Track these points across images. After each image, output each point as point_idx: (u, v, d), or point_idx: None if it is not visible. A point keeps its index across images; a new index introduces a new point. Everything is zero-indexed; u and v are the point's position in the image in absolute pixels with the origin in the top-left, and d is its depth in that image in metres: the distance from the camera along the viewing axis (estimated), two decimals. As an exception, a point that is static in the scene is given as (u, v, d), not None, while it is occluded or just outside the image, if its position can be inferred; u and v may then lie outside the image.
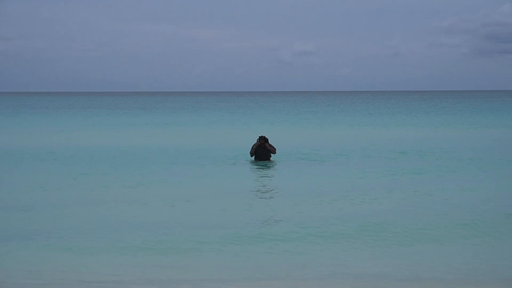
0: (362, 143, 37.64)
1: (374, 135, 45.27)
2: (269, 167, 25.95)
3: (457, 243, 13.52)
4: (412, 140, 39.68)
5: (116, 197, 19.39)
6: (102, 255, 12.69)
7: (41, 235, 14.10)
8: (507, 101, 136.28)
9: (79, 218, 16.13)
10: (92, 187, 21.46)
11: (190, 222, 15.61)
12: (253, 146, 27.19)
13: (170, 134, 47.76)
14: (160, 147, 35.09)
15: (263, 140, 26.92)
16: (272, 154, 27.16)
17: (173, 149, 34.01)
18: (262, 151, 26.98)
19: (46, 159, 29.25)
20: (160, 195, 19.93)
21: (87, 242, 13.47)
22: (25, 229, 14.94)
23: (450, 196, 18.99)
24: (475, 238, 14.04)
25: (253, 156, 27.16)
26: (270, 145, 27.05)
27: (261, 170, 25.42)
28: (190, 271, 11.74)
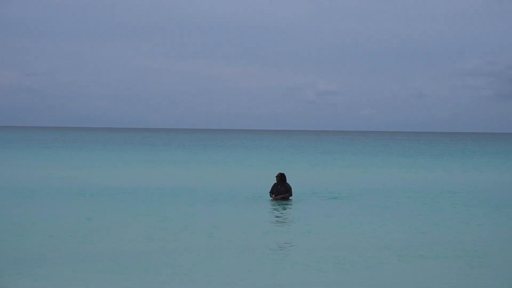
0: (382, 184, 37.85)
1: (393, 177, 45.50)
2: (286, 208, 25.85)
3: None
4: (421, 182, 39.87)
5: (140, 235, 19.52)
6: None
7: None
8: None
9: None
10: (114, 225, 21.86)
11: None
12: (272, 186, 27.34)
13: (193, 173, 48.07)
14: (189, 185, 35.26)
15: (280, 177, 27.08)
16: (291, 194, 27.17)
17: (200, 187, 34.15)
18: (277, 189, 27.12)
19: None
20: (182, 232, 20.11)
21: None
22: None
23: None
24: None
25: (272, 194, 27.14)
26: (287, 184, 27.12)
27: (278, 209, 25.35)
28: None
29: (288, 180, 27.50)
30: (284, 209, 25.43)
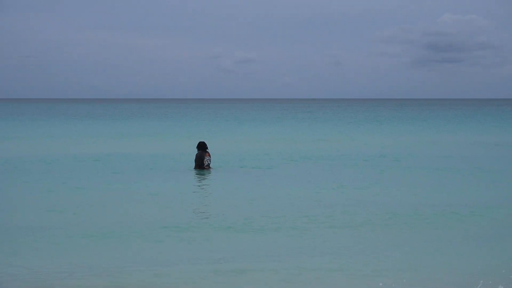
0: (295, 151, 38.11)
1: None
2: (206, 175, 25.96)
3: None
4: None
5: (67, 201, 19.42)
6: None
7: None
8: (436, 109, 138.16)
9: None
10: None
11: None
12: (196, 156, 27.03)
13: (117, 143, 47.52)
14: (110, 156, 34.82)
15: (201, 145, 26.97)
16: (210, 162, 27.09)
17: (122, 158, 33.93)
18: (199, 159, 26.90)
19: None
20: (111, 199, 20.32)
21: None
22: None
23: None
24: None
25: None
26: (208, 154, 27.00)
27: (200, 177, 25.55)
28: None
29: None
30: (205, 179, 25.60)
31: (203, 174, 26.05)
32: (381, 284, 11.12)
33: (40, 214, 18.03)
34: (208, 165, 26.79)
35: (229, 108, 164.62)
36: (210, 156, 26.97)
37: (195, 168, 26.91)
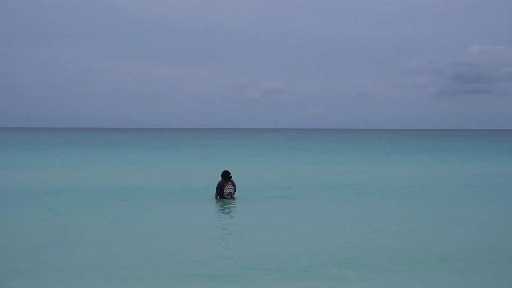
0: (325, 179, 37.94)
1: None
2: (230, 205, 25.89)
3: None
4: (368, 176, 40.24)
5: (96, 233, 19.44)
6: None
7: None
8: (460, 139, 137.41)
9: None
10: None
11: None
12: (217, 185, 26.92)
13: (144, 171, 47.69)
14: (139, 185, 34.98)
15: (225, 174, 26.70)
16: (233, 191, 26.90)
17: (149, 187, 33.98)
18: (222, 188, 26.72)
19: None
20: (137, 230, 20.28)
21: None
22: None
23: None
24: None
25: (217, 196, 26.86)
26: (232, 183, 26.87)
27: (223, 207, 25.36)
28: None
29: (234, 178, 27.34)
30: (230, 208, 25.45)
31: (222, 204, 25.97)
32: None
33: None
34: (230, 193, 26.57)
35: (262, 138, 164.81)
36: (233, 185, 26.75)
37: (216, 197, 26.79)
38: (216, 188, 26.85)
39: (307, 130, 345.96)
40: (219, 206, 25.71)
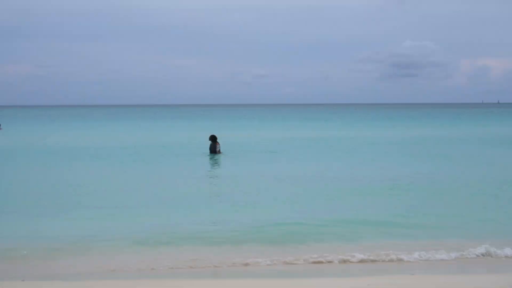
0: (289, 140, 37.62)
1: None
2: (217, 159, 25.73)
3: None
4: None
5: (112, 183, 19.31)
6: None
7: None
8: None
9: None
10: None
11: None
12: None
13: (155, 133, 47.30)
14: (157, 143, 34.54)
15: (212, 138, 26.72)
16: (219, 148, 26.73)
17: (163, 145, 33.60)
18: (213, 147, 26.74)
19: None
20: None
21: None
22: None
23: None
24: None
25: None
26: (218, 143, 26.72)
27: (213, 161, 25.35)
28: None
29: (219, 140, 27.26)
30: (216, 159, 25.44)
31: (214, 157, 25.90)
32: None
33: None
34: (219, 150, 26.73)
35: (247, 112, 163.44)
36: (219, 144, 26.84)
37: (210, 153, 26.74)
38: (210, 147, 26.80)
39: (284, 105, 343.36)
40: (211, 158, 25.86)
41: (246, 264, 9.32)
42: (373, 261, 9.47)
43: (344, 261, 9.44)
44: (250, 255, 9.62)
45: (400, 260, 9.51)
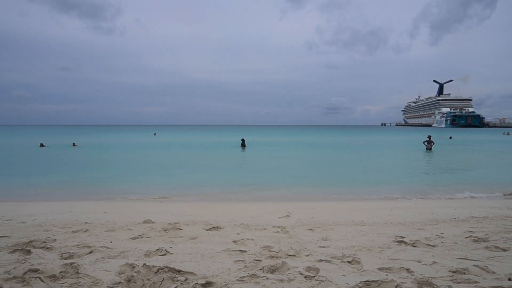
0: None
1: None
2: (245, 150, 25.36)
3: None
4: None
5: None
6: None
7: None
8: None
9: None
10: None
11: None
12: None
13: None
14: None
15: (243, 140, 28.44)
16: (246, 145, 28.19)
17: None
18: (242, 144, 27.92)
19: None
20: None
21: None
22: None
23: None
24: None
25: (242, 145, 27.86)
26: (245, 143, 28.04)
27: (243, 151, 25.01)
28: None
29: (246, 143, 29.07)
30: (244, 150, 25.54)
31: (243, 150, 25.65)
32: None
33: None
34: (245, 145, 27.98)
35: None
36: (245, 142, 28.19)
37: (241, 146, 28.00)
38: (242, 144, 27.97)
39: (266, 126, 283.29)
40: (242, 150, 25.72)
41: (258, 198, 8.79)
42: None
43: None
44: (259, 195, 9.22)
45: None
